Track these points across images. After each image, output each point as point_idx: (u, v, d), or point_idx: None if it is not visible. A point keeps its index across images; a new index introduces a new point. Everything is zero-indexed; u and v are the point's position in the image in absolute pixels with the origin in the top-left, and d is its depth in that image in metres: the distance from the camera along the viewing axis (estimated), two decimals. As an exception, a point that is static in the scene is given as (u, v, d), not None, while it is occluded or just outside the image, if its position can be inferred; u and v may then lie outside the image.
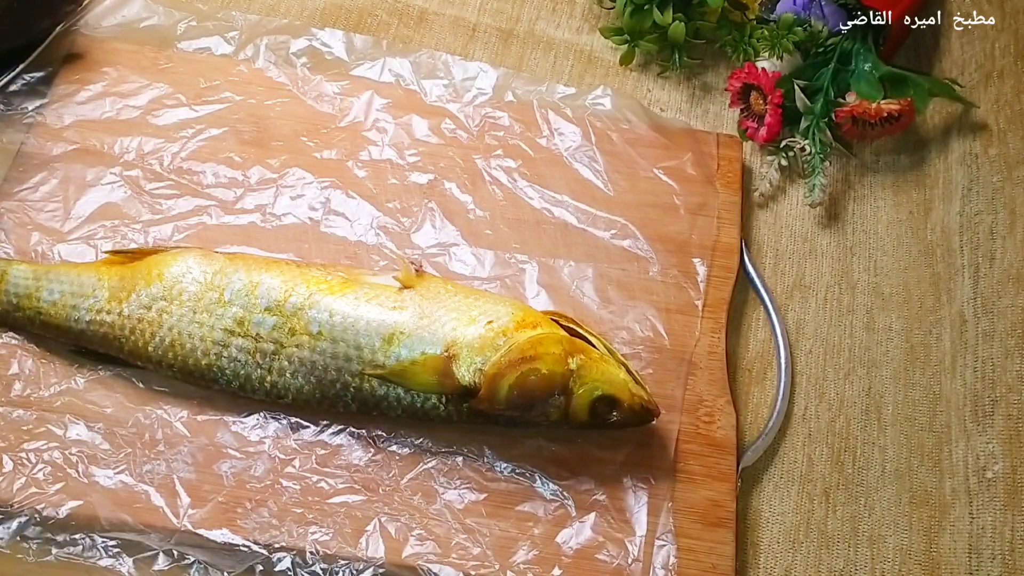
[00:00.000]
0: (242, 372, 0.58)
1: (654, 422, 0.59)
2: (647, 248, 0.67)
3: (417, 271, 0.62)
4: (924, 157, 0.74)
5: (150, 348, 0.59)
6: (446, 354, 0.56)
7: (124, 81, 0.72)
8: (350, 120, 0.71)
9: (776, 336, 0.67)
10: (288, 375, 0.58)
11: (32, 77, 0.71)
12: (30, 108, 0.70)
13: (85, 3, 0.75)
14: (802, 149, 0.70)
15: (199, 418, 0.59)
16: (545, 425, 0.58)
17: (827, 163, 0.71)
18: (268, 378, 0.58)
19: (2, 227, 0.65)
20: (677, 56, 0.76)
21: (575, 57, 0.79)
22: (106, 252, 0.64)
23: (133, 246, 0.64)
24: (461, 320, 0.57)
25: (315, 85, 0.73)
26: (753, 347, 0.67)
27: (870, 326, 0.68)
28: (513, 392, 0.56)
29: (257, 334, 0.58)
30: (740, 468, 0.61)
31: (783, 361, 0.66)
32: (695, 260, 0.67)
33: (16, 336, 0.62)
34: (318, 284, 0.59)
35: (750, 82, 0.72)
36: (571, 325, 0.59)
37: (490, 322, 0.57)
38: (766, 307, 0.68)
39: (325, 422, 0.60)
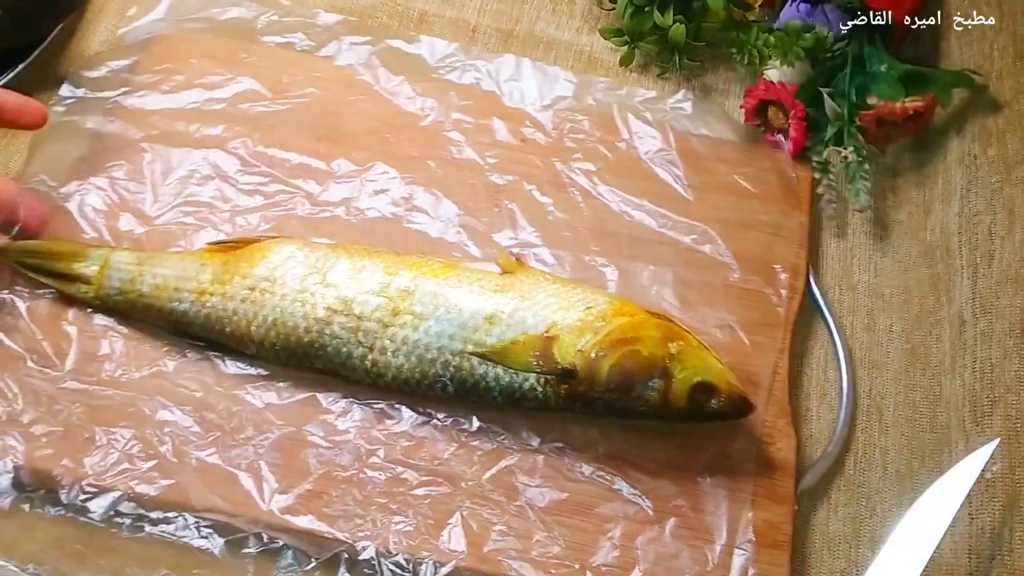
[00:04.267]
0: (344, 350, 0.59)
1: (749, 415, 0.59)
2: (727, 254, 0.67)
3: (516, 259, 0.63)
4: (923, 158, 0.75)
5: (253, 327, 0.59)
6: (546, 335, 0.57)
7: (208, 72, 0.73)
8: (431, 120, 0.72)
9: (839, 360, 0.66)
10: (389, 354, 0.58)
11: (117, 65, 0.72)
12: (115, 95, 0.71)
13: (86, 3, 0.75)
14: (844, 158, 0.70)
15: (286, 405, 0.60)
16: (643, 411, 0.58)
17: (866, 165, 0.70)
18: (369, 356, 0.58)
19: (90, 212, 0.66)
20: (677, 58, 0.76)
21: (575, 58, 0.79)
22: (207, 243, 0.64)
23: (223, 237, 0.65)
24: (561, 304, 0.58)
25: (397, 85, 0.73)
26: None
27: (870, 327, 0.68)
28: (613, 373, 0.56)
29: (360, 313, 0.59)
30: (799, 490, 0.61)
31: (845, 386, 0.65)
32: (776, 266, 0.67)
33: (106, 317, 0.63)
34: (420, 268, 0.60)
35: (768, 98, 0.71)
36: (668, 320, 0.60)
37: (589, 307, 0.58)
38: (829, 328, 0.68)
39: (410, 414, 0.60)
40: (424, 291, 0.59)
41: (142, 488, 0.57)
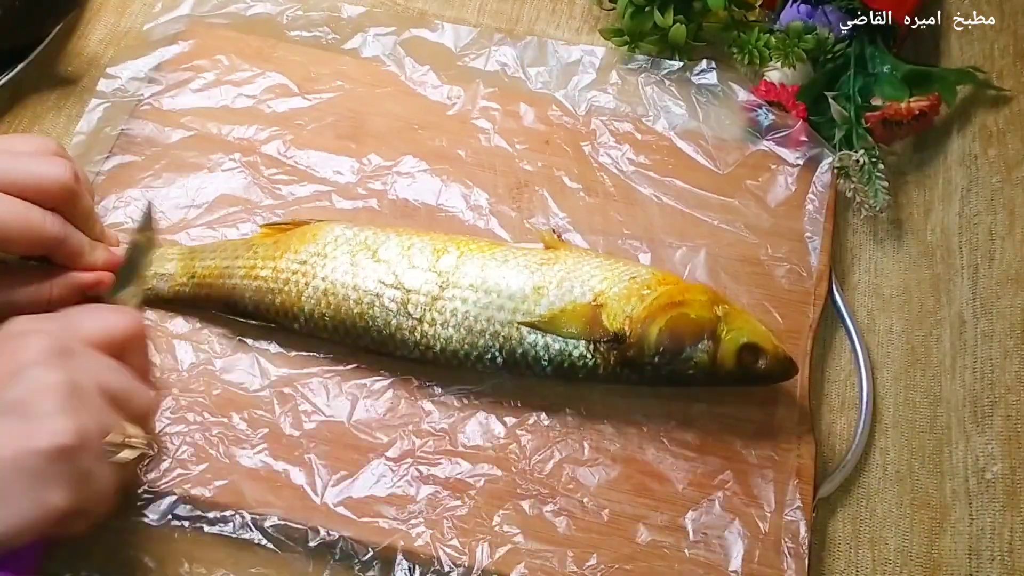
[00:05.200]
0: (393, 321, 0.59)
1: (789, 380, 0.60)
2: (758, 230, 0.68)
3: (558, 237, 0.65)
4: (924, 158, 0.75)
5: (303, 297, 0.60)
6: (594, 303, 0.58)
7: (236, 69, 0.74)
8: (458, 109, 0.73)
9: (860, 369, 0.66)
10: (439, 325, 0.59)
11: (145, 63, 0.73)
12: (147, 95, 0.72)
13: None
14: (857, 162, 0.69)
15: (334, 399, 0.61)
16: (692, 375, 0.58)
17: (880, 165, 0.70)
18: (418, 328, 0.59)
19: (130, 224, 0.67)
20: (677, 58, 0.76)
21: (575, 58, 0.79)
22: (262, 225, 0.66)
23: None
24: (606, 275, 0.60)
25: (423, 75, 0.74)
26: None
27: (870, 327, 0.68)
28: (662, 336, 0.57)
29: (409, 287, 0.60)
30: (816, 499, 0.61)
31: (865, 395, 0.65)
32: (806, 236, 0.68)
33: (149, 319, 0.63)
34: (467, 245, 0.61)
35: (769, 99, 0.71)
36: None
37: (633, 277, 0.59)
38: (851, 338, 0.67)
39: (457, 404, 0.61)
40: (472, 265, 0.60)
41: (197, 491, 0.57)
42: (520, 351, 0.59)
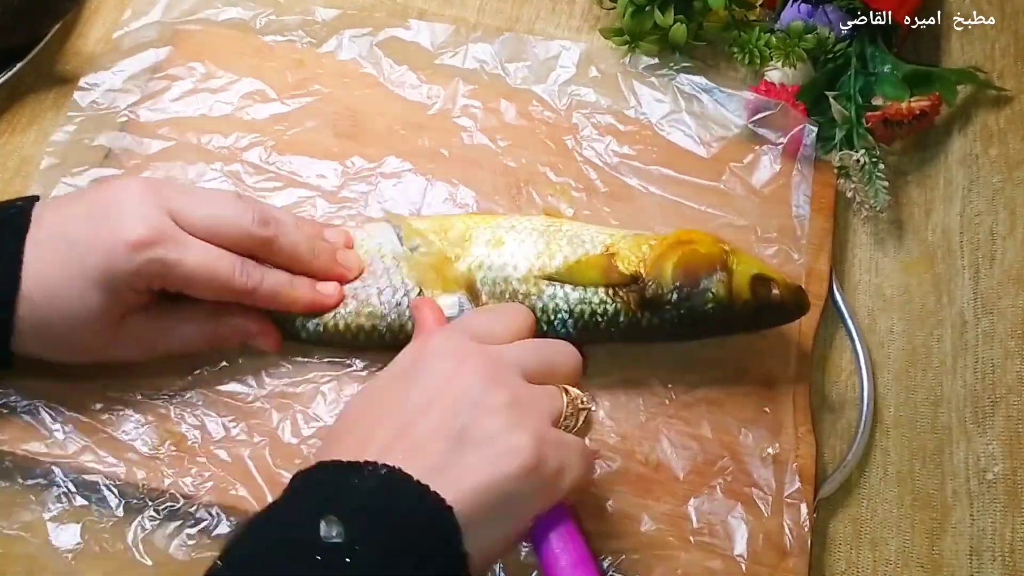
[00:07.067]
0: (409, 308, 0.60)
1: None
2: (746, 212, 0.68)
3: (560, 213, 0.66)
4: (925, 158, 0.74)
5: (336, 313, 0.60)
6: (607, 252, 0.60)
7: (213, 76, 0.72)
8: (439, 108, 0.72)
9: (861, 369, 0.66)
10: None
11: (120, 74, 0.72)
12: (123, 106, 0.71)
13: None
14: (857, 161, 0.69)
15: (332, 405, 0.61)
16: (711, 310, 0.58)
17: (881, 165, 0.70)
18: (437, 303, 0.60)
19: None
20: (678, 58, 0.76)
21: (574, 57, 0.79)
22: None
23: None
24: (611, 233, 0.62)
25: (401, 75, 0.73)
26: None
27: (871, 327, 0.68)
28: (677, 271, 0.58)
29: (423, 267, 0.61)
30: (817, 499, 0.61)
31: (866, 395, 0.65)
32: (795, 216, 0.68)
33: None
34: (472, 218, 0.63)
35: (769, 99, 0.71)
36: None
37: (638, 234, 0.61)
38: (851, 337, 0.67)
39: None
40: (481, 232, 0.61)
41: (196, 495, 0.57)
42: (540, 306, 0.59)
